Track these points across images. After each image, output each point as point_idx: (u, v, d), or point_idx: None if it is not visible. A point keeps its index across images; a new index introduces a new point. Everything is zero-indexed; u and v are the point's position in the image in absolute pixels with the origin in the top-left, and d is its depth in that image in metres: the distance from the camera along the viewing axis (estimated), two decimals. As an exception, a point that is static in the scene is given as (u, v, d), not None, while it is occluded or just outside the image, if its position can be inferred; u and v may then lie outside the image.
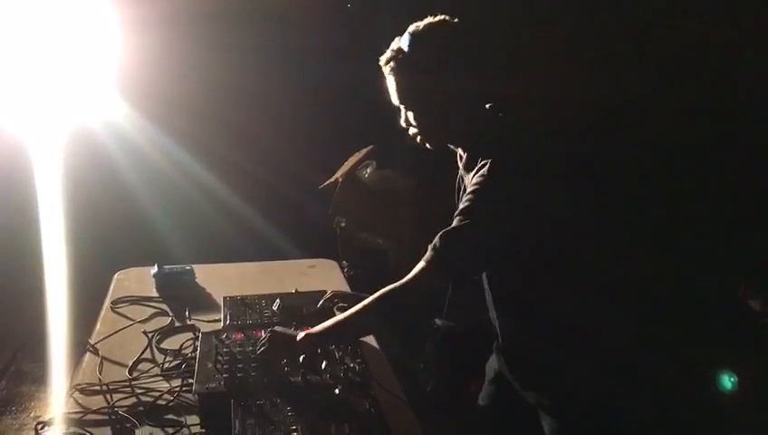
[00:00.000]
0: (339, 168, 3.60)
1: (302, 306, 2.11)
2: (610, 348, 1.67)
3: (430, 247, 1.60)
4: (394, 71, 1.68)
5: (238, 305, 2.13)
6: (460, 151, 1.81)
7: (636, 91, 4.02)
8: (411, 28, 1.67)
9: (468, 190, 1.62)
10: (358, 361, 1.73)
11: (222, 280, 2.51)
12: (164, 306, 2.31)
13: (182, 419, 1.63)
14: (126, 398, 1.72)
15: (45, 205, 3.86)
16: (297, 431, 1.42)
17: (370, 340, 2.05)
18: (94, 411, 1.65)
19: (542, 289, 1.65)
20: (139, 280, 2.52)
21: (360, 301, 1.70)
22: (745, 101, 3.75)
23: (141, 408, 1.68)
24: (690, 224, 3.59)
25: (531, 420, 1.78)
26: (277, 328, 1.76)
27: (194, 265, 2.55)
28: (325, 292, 2.24)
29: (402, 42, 1.66)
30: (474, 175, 1.65)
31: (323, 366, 1.68)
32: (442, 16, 1.67)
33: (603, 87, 4.00)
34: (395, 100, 1.72)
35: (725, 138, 3.78)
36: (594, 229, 1.71)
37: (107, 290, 2.48)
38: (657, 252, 3.27)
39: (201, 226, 4.07)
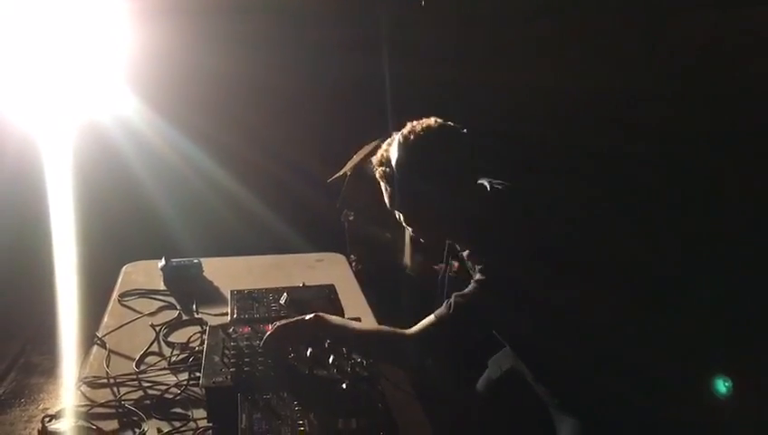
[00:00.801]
0: (347, 161, 3.59)
1: (310, 300, 2.10)
2: (615, 350, 1.67)
3: (445, 306, 1.63)
4: (383, 180, 1.71)
5: (246, 299, 2.12)
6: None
7: (648, 83, 3.99)
8: (401, 137, 1.66)
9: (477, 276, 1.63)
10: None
11: (229, 274, 2.51)
12: (171, 300, 2.31)
13: (189, 412, 1.63)
14: (133, 391, 1.72)
15: (55, 199, 3.87)
16: (304, 426, 1.41)
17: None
18: (101, 405, 1.65)
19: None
20: (147, 273, 2.52)
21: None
22: (758, 95, 3.71)
23: (148, 401, 1.68)
24: (696, 221, 3.57)
25: (537, 416, 1.78)
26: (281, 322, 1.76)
27: (201, 259, 2.55)
28: (332, 286, 2.24)
29: (392, 153, 1.67)
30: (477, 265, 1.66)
31: (330, 361, 1.67)
32: (435, 122, 1.67)
33: (615, 79, 3.98)
34: (387, 203, 1.75)
35: (737, 131, 3.75)
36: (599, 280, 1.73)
37: (115, 283, 2.48)
38: (659, 249, 3.25)
39: (209, 219, 4.07)
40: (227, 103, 4.17)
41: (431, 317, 1.65)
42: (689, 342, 2.71)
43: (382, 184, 1.73)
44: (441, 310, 1.63)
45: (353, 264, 3.23)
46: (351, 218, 3.62)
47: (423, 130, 1.66)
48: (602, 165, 3.88)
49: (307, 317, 1.72)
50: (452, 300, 1.62)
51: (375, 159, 1.72)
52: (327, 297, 2.15)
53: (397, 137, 1.68)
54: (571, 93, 3.92)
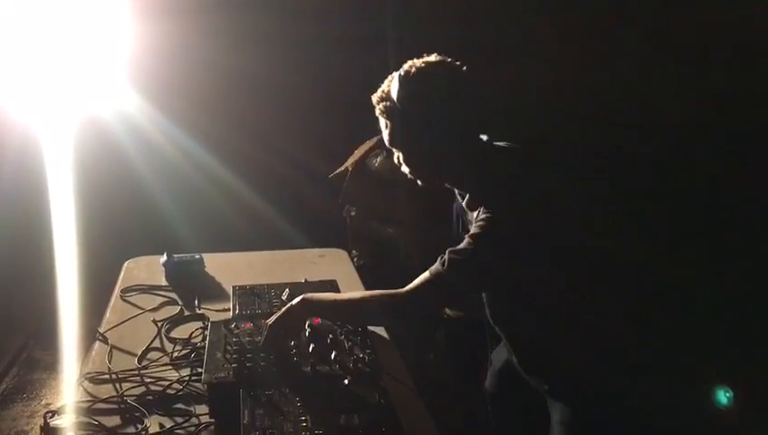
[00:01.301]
0: (348, 157, 3.59)
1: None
2: (609, 344, 1.66)
3: (439, 261, 1.61)
4: (383, 114, 1.68)
5: (247, 295, 2.12)
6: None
7: (650, 77, 3.98)
8: (402, 71, 1.64)
9: (473, 230, 1.61)
10: (367, 351, 1.72)
11: (231, 269, 2.51)
12: (173, 295, 2.31)
13: (191, 408, 1.63)
14: (135, 387, 1.72)
15: (56, 194, 3.87)
16: (306, 422, 1.41)
17: (380, 330, 2.04)
18: (103, 400, 1.65)
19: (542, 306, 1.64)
20: (149, 269, 2.52)
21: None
22: (763, 90, 3.70)
23: (150, 397, 1.68)
24: (700, 221, 3.55)
25: (538, 406, 1.77)
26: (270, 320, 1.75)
27: (203, 254, 2.55)
28: (334, 281, 2.24)
29: (392, 87, 1.64)
30: (475, 218, 1.64)
31: (333, 357, 1.67)
32: (435, 57, 1.65)
33: (616, 74, 3.96)
34: (385, 139, 1.72)
35: (742, 127, 3.74)
36: (599, 249, 1.71)
37: (117, 278, 2.48)
38: (660, 251, 3.24)
39: (210, 215, 4.07)
40: (229, 99, 4.17)
41: (426, 274, 1.63)
42: (682, 331, 2.70)
43: (382, 120, 1.69)
44: (436, 266, 1.61)
45: (355, 259, 3.23)
46: (353, 214, 3.62)
47: (423, 65, 1.64)
48: (603, 163, 3.88)
49: (294, 302, 1.72)
50: (446, 256, 1.59)
51: (375, 96, 1.69)
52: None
53: (397, 73, 1.65)
54: (576, 91, 3.91)
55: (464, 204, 1.76)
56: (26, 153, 3.88)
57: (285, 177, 4.14)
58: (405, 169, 1.73)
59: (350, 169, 3.49)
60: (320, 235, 3.29)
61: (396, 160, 1.75)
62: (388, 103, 1.65)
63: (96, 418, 1.56)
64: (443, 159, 1.67)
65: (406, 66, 1.65)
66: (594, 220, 1.80)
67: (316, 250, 2.84)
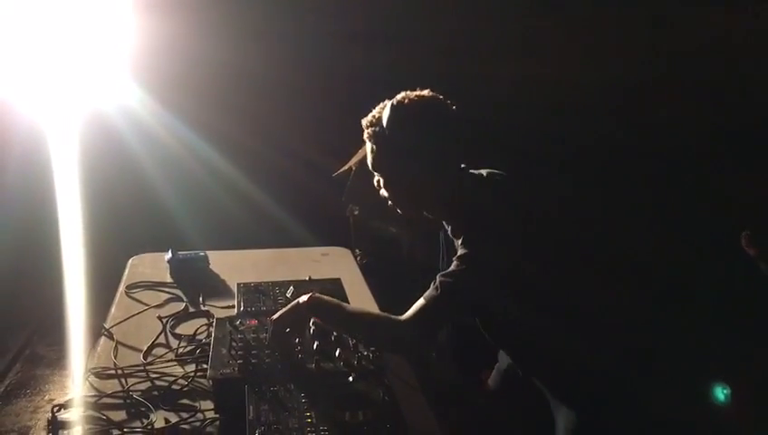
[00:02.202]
0: (353, 155, 3.59)
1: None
2: (603, 352, 1.68)
3: (432, 287, 1.63)
4: (370, 139, 1.71)
5: (252, 292, 2.14)
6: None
7: (649, 76, 3.99)
8: (395, 101, 1.67)
9: (459, 253, 1.65)
10: (372, 349, 1.73)
11: (235, 267, 2.52)
12: (178, 292, 2.32)
13: (197, 404, 1.64)
14: (141, 382, 1.74)
15: (61, 191, 3.88)
16: (311, 418, 1.42)
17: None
18: (109, 395, 1.66)
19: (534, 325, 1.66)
20: (154, 265, 2.53)
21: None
22: (761, 90, 3.70)
23: (156, 392, 1.69)
24: (698, 217, 3.54)
25: (542, 407, 1.78)
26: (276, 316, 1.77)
27: (208, 252, 2.56)
28: (338, 280, 2.25)
29: (384, 115, 1.67)
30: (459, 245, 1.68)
31: (337, 354, 1.68)
32: (428, 93, 1.68)
33: (617, 72, 3.97)
34: (369, 163, 1.75)
35: (740, 125, 3.74)
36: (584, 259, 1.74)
37: (121, 275, 2.49)
38: (659, 244, 3.24)
39: (215, 212, 4.08)
40: (233, 95, 4.17)
41: (421, 301, 1.65)
42: (683, 349, 2.71)
43: (368, 144, 1.73)
44: (430, 291, 1.63)
45: (358, 258, 3.24)
46: (357, 212, 3.62)
47: (416, 97, 1.67)
48: (604, 158, 3.88)
49: (302, 299, 1.73)
50: (438, 280, 1.62)
51: (365, 120, 1.72)
52: (333, 291, 2.15)
53: (390, 102, 1.69)
54: (572, 86, 3.91)
55: (449, 231, 1.80)
56: (31, 149, 3.89)
57: (290, 175, 4.14)
58: (384, 193, 1.77)
59: (353, 167, 3.49)
60: (323, 233, 3.30)
61: (375, 184, 1.78)
62: (376, 129, 1.68)
63: (102, 412, 1.58)
64: (422, 188, 1.71)
65: (399, 96, 1.69)
66: (583, 231, 1.83)
67: (320, 248, 2.85)
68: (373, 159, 1.72)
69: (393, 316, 1.69)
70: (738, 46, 3.84)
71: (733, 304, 3.01)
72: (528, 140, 3.71)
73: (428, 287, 1.65)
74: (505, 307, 1.65)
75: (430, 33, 4.20)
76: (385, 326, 1.69)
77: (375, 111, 1.72)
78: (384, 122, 1.66)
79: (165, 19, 3.89)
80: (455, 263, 1.63)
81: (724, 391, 2.73)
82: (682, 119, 3.80)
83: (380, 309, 2.19)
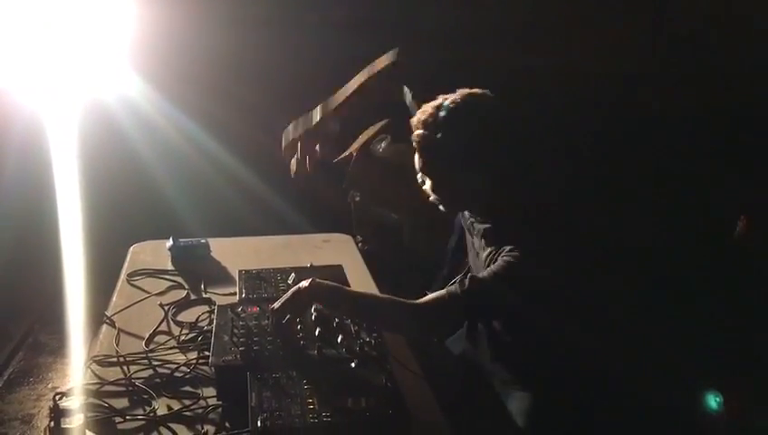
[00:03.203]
0: (353, 142, 3.58)
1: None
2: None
3: (459, 284, 1.62)
4: (419, 144, 1.66)
5: (254, 279, 2.13)
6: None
7: (652, 64, 3.97)
8: (449, 102, 1.62)
9: (502, 259, 1.61)
10: (374, 335, 1.72)
11: (237, 254, 2.52)
12: (179, 279, 2.32)
13: (199, 391, 1.64)
14: (143, 370, 1.73)
15: (61, 178, 3.87)
16: (313, 404, 1.42)
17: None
18: (111, 383, 1.66)
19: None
20: (155, 253, 2.53)
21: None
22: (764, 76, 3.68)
23: (158, 380, 1.69)
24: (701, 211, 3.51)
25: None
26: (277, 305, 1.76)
27: (209, 239, 2.56)
28: (340, 266, 2.25)
29: (440, 115, 1.62)
30: (498, 253, 1.64)
31: (339, 340, 1.68)
32: (482, 92, 1.64)
33: (620, 60, 3.95)
34: (416, 165, 1.71)
35: (743, 114, 3.72)
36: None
37: (123, 263, 2.49)
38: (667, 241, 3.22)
39: (216, 200, 4.08)
40: (232, 84, 4.14)
41: (443, 293, 1.64)
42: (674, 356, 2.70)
43: (418, 148, 1.68)
44: (455, 288, 1.62)
45: (359, 244, 3.23)
46: (358, 199, 3.61)
47: (470, 97, 1.63)
48: (607, 151, 3.87)
49: (302, 285, 1.72)
50: (467, 282, 1.61)
51: (415, 120, 1.67)
52: (335, 278, 2.15)
53: (445, 102, 1.64)
54: (579, 75, 3.90)
55: (475, 225, 1.77)
56: (30, 138, 3.87)
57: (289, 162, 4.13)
58: (430, 194, 1.74)
59: (354, 154, 3.48)
60: (324, 220, 3.29)
61: (420, 185, 1.75)
62: (426, 132, 1.64)
63: (105, 400, 1.58)
64: (474, 194, 1.68)
65: (453, 96, 1.64)
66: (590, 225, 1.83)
67: (321, 235, 2.85)
68: (423, 163, 1.69)
69: (405, 301, 1.68)
70: (747, 30, 3.81)
71: (728, 303, 2.99)
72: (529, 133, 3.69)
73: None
74: (529, 317, 1.64)
75: (432, 22, 4.18)
76: (396, 307, 1.69)
77: (428, 111, 1.66)
78: (436, 125, 1.62)
79: (165, 8, 3.87)
80: (489, 273, 1.60)
81: (717, 399, 2.71)
82: (685, 109, 3.78)
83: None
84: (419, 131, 1.66)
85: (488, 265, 1.66)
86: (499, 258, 1.62)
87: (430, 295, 1.66)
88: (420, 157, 1.70)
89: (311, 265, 2.24)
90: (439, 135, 1.62)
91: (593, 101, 3.95)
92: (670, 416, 2.27)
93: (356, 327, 1.76)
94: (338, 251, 2.65)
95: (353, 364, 1.58)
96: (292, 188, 4.05)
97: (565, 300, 1.60)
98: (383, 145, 3.41)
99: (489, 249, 1.71)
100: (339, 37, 4.06)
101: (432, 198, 1.75)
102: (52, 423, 1.44)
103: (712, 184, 3.48)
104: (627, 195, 3.60)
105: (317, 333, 1.70)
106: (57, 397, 1.49)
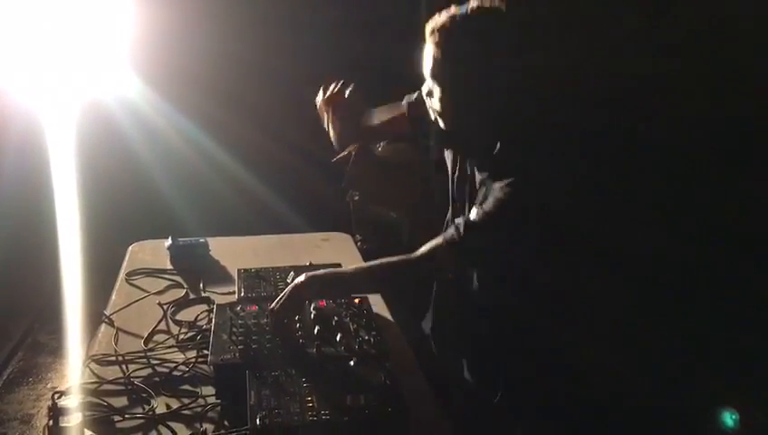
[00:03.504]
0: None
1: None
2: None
3: (454, 229, 1.60)
4: (435, 45, 1.60)
5: (252, 278, 2.13)
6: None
7: (652, 63, 3.96)
8: (468, 8, 1.58)
9: (494, 197, 1.57)
10: (373, 333, 1.72)
11: (236, 253, 2.51)
12: (178, 278, 2.32)
13: (198, 389, 1.64)
14: (142, 368, 1.73)
15: (61, 178, 3.87)
16: (312, 402, 1.41)
17: (385, 313, 2.05)
18: (110, 382, 1.66)
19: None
20: (154, 252, 2.53)
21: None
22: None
23: (157, 378, 1.69)
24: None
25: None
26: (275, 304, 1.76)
27: (208, 238, 2.55)
28: (339, 264, 2.25)
29: (459, 16, 1.58)
30: (496, 182, 1.59)
31: (338, 338, 1.68)
32: (502, 5, 1.59)
33: (618, 59, 3.94)
34: (426, 70, 1.66)
35: (745, 114, 3.71)
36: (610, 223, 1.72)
37: (121, 262, 2.49)
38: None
39: (214, 199, 4.08)
40: (231, 84, 4.15)
41: (439, 240, 1.63)
42: (688, 373, 2.68)
43: (429, 48, 1.62)
44: (451, 233, 1.61)
45: (359, 243, 3.23)
46: (356, 198, 3.61)
47: (490, 9, 1.58)
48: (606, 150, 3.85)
49: (299, 281, 1.72)
50: (461, 225, 1.59)
51: (432, 24, 1.61)
52: None
53: (460, 8, 1.59)
54: (574, 75, 3.89)
55: (470, 158, 1.74)
56: (29, 138, 3.88)
57: (289, 161, 4.13)
58: (435, 105, 1.68)
59: (353, 153, 3.48)
60: (323, 219, 3.29)
61: (425, 93, 1.70)
62: (443, 32, 1.58)
63: (103, 399, 1.58)
64: (480, 101, 1.62)
65: (472, 4, 1.58)
66: (621, 211, 1.81)
67: (320, 234, 2.85)
68: (432, 65, 1.63)
69: (403, 257, 1.69)
70: (748, 31, 3.80)
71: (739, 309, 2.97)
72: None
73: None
74: (515, 266, 1.61)
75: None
76: (398, 269, 1.71)
77: (443, 16, 1.60)
78: (455, 26, 1.57)
79: (163, 8, 3.87)
80: (483, 209, 1.57)
81: (733, 417, 2.69)
82: (686, 107, 3.77)
83: (381, 296, 2.18)
84: (433, 35, 1.60)
85: (484, 193, 1.63)
86: (491, 196, 1.58)
87: (429, 245, 1.65)
88: (432, 59, 1.62)
89: (310, 264, 2.23)
90: (455, 34, 1.57)
91: (593, 101, 3.94)
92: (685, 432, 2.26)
93: (355, 326, 1.76)
94: (337, 250, 2.65)
95: (352, 362, 1.58)
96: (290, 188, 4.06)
97: (566, 231, 1.57)
98: (382, 144, 3.41)
99: (482, 175, 1.68)
100: (338, 37, 4.06)
101: (436, 108, 1.68)
102: (51, 422, 1.43)
103: (712, 184, 3.47)
104: (627, 195, 3.59)
105: (316, 331, 1.70)
106: (56, 396, 1.49)
